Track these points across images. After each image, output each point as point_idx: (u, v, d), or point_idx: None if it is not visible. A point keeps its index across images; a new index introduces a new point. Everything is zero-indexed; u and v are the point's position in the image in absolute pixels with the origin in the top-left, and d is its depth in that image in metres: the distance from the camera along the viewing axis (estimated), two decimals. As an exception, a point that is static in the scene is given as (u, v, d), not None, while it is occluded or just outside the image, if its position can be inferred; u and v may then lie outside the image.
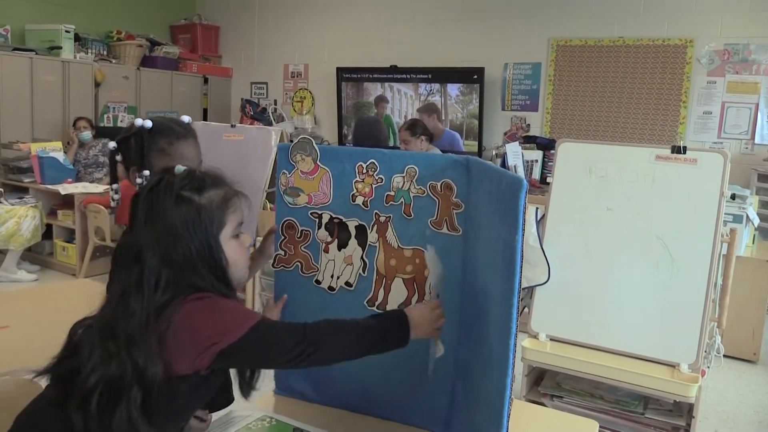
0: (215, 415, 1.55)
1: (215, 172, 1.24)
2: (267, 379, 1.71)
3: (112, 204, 1.55)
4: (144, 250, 1.10)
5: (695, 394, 2.18)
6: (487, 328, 1.08)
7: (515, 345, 0.91)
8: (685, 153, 2.30)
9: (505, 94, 5.93)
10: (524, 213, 0.84)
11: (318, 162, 1.49)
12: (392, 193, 1.44)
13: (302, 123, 6.76)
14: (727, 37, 5.08)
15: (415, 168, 1.41)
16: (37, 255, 5.05)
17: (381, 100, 6.31)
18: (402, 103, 6.22)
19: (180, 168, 1.22)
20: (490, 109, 5.91)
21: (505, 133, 5.96)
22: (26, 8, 5.78)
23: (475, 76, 5.77)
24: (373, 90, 6.33)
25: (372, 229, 1.46)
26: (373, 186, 1.45)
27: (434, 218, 1.41)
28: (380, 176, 1.45)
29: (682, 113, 5.29)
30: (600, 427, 1.56)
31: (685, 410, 2.38)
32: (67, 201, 4.91)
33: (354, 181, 1.47)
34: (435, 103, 6.03)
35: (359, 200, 1.47)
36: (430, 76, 6.00)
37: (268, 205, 3.34)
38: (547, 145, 5.55)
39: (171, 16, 7.25)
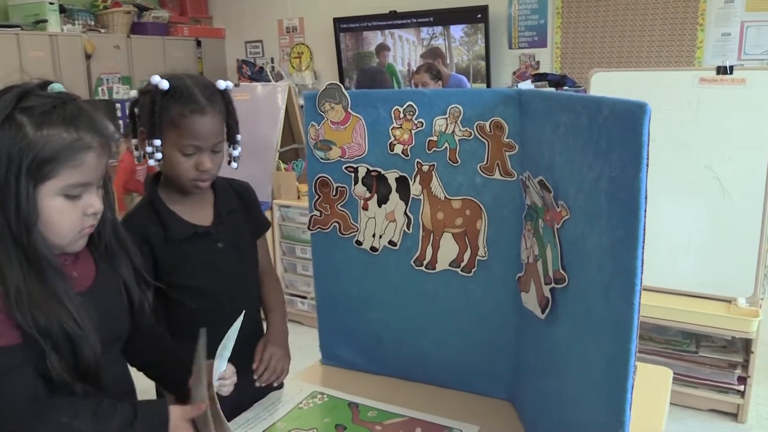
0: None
1: (94, 114, 0.97)
2: (311, 348, 1.60)
3: (145, 161, 1.24)
4: None
5: (756, 329, 2.07)
6: (580, 284, 0.94)
7: (639, 304, 0.77)
8: (731, 73, 2.13)
9: (512, 32, 5.68)
10: (648, 144, 0.69)
11: (349, 110, 1.34)
12: (435, 139, 1.29)
13: (302, 79, 6.52)
14: (743, -49, 4.79)
15: (459, 108, 1.26)
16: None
17: (382, 48, 6.06)
18: (404, 50, 5.96)
19: (55, 87, 0.99)
20: (497, 48, 5.67)
21: (514, 73, 5.73)
22: (6, -18, 5.51)
23: (479, 15, 5.51)
24: (373, 39, 6.07)
25: (414, 181, 1.32)
26: (413, 132, 1.30)
27: (484, 163, 1.26)
28: (420, 120, 1.29)
29: (699, 37, 5.03)
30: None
31: (740, 346, 2.28)
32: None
33: (391, 127, 1.32)
34: (439, 47, 5.78)
35: (398, 149, 1.32)
36: (431, 19, 5.73)
37: (282, 165, 3.19)
38: (558, 82, 5.31)
39: (156, -21, 6.93)
